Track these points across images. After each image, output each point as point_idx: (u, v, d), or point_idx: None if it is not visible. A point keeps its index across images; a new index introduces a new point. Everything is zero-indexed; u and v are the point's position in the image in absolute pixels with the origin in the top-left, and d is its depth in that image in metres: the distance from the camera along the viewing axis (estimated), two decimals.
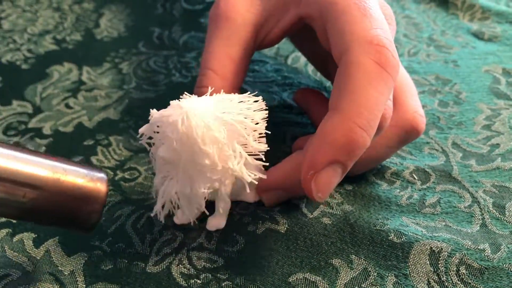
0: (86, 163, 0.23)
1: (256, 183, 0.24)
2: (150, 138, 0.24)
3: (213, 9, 0.29)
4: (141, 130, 0.23)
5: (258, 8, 0.28)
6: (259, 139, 0.23)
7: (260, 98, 0.23)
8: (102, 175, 0.21)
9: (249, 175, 0.23)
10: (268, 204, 0.26)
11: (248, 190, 0.23)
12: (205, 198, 0.23)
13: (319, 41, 0.26)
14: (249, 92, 0.23)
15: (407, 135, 0.27)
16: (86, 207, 0.20)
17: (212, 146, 0.21)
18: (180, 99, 0.22)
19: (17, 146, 0.20)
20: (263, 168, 0.25)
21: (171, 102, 0.22)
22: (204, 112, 0.21)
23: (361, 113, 0.21)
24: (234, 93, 0.24)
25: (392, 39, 0.28)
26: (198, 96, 0.24)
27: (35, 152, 0.20)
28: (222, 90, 0.25)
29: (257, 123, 0.22)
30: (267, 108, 0.23)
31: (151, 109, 0.23)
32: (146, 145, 0.24)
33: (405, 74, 0.29)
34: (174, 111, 0.21)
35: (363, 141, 0.21)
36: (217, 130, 0.21)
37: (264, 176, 0.24)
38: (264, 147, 0.23)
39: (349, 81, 0.22)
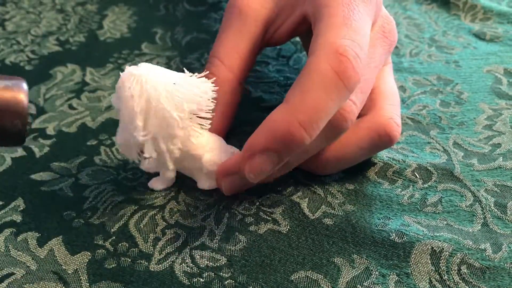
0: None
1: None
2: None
3: (230, 1, 0.30)
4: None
5: (271, 4, 0.29)
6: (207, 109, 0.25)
7: (203, 74, 0.25)
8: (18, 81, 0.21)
9: (199, 134, 0.26)
10: (226, 191, 0.26)
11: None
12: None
13: None
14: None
15: (380, 139, 0.26)
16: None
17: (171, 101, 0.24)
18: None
19: None
20: (235, 152, 0.27)
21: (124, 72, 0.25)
22: (158, 75, 0.24)
23: (306, 112, 0.22)
24: (240, 86, 0.29)
25: (387, 54, 0.28)
26: None
27: None
28: (226, 81, 0.28)
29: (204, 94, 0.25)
30: (213, 84, 0.25)
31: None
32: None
33: (391, 84, 0.29)
34: (128, 78, 0.24)
35: (300, 137, 0.22)
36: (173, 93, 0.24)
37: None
38: (210, 115, 0.25)
39: (305, 81, 0.23)
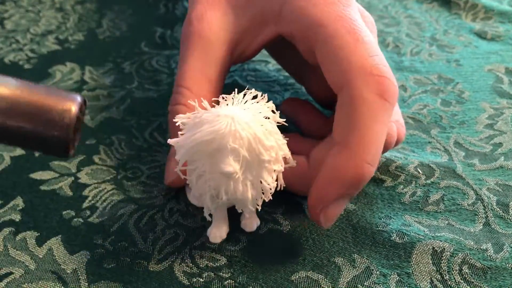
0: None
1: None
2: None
3: (186, 26, 0.28)
4: (180, 157, 0.22)
5: (233, 25, 0.27)
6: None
7: (266, 95, 0.23)
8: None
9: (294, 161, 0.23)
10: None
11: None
12: (270, 189, 0.22)
13: (299, 53, 0.26)
14: (250, 89, 0.23)
15: None
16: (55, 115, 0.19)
17: (272, 139, 0.21)
18: (197, 113, 0.22)
19: None
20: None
21: (205, 116, 0.21)
22: (248, 114, 0.21)
23: (369, 149, 0.22)
24: None
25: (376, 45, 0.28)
26: (175, 114, 0.25)
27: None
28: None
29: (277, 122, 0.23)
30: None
31: (169, 141, 0.22)
32: (181, 174, 0.22)
33: None
34: (222, 121, 0.20)
35: (370, 174, 0.22)
36: (270, 125, 0.22)
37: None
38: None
39: (354, 117, 0.22)
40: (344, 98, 0.23)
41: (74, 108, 0.19)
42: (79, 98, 0.20)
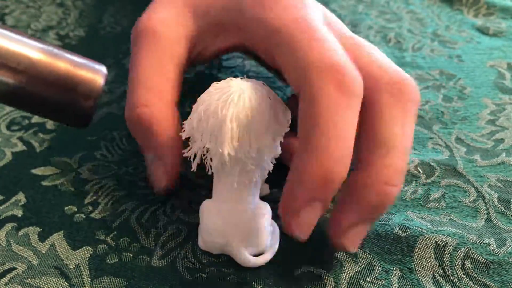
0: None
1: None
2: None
3: (137, 26, 0.27)
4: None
5: (191, 24, 0.26)
6: None
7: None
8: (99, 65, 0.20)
9: None
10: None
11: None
12: None
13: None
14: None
15: None
16: (80, 88, 0.19)
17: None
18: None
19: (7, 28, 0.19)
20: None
21: (212, 97, 0.21)
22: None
23: (332, 145, 0.20)
24: (173, 111, 0.25)
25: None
26: (135, 119, 0.25)
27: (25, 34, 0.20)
28: (159, 113, 0.25)
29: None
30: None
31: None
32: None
33: None
34: (230, 89, 0.21)
35: (338, 173, 0.20)
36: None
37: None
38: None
39: (314, 114, 0.20)
40: (303, 97, 0.21)
41: (100, 81, 0.19)
42: (104, 70, 0.20)
